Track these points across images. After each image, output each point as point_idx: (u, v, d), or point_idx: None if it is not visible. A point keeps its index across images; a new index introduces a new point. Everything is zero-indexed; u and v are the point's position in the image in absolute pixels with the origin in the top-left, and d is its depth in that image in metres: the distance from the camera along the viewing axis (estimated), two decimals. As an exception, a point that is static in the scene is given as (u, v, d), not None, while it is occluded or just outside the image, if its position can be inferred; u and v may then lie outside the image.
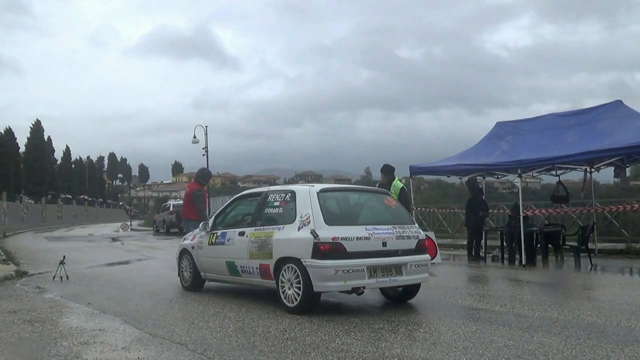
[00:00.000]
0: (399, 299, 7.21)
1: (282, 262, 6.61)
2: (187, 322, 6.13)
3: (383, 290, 7.27)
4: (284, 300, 6.58)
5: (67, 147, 75.05)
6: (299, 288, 6.37)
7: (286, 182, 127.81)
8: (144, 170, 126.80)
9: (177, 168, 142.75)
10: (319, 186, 6.97)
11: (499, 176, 14.67)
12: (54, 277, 9.95)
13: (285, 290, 6.57)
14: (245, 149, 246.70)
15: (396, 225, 6.82)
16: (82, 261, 13.84)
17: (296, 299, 6.41)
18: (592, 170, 12.79)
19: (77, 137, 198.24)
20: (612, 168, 12.45)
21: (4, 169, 50.25)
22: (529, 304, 7.00)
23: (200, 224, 8.64)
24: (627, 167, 12.73)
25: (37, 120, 64.00)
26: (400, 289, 7.12)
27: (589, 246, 11.90)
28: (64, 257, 10.39)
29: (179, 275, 8.99)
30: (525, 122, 13.53)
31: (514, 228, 11.97)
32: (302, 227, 6.48)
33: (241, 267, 7.34)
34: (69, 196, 58.90)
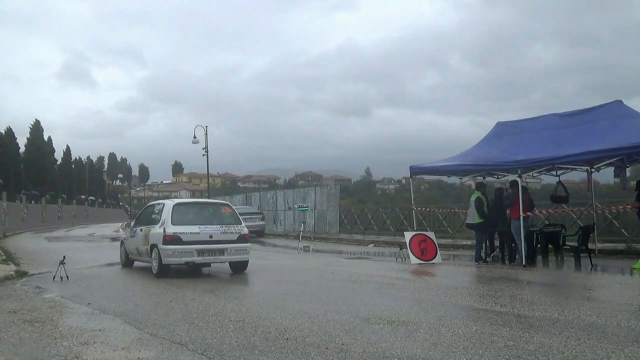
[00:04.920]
0: (235, 271, 11.10)
1: (152, 246, 10.60)
2: (187, 322, 6.13)
3: (230, 266, 11.22)
4: (153, 270, 10.57)
5: (67, 147, 74.95)
6: (157, 262, 10.36)
7: (286, 182, 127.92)
8: (144, 170, 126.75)
9: (177, 168, 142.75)
10: (176, 201, 11.40)
11: (499, 176, 14.65)
12: (54, 277, 9.96)
13: (153, 264, 10.60)
14: (245, 148, 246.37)
15: (223, 225, 10.71)
16: (82, 261, 13.84)
17: (156, 269, 10.41)
18: (592, 170, 12.78)
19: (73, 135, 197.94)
20: (612, 168, 12.43)
21: (4, 169, 50.23)
22: (529, 304, 7.00)
23: (125, 224, 13.85)
24: (627, 167, 12.71)
25: (37, 120, 64.00)
26: (230, 264, 11.13)
27: (589, 246, 11.88)
28: (64, 257, 10.39)
29: (120, 258, 12.88)
30: (525, 122, 13.50)
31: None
32: (161, 226, 10.46)
33: (140, 250, 11.43)
34: (64, 196, 58.88)
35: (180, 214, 10.69)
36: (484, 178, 14.39)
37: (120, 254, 12.89)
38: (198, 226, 10.44)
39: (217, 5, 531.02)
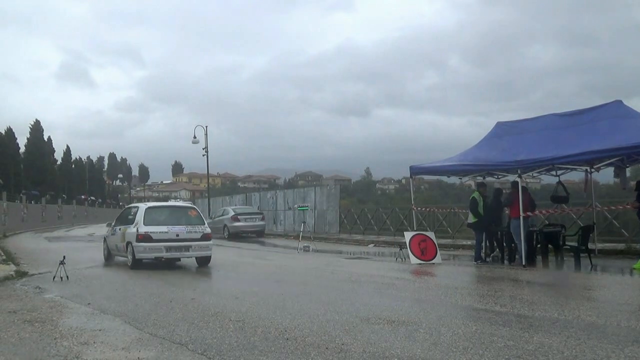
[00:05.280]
0: (201, 264, 12.65)
1: (128, 243, 12.25)
2: (187, 322, 6.13)
3: (196, 260, 12.81)
4: (128, 263, 12.24)
5: (68, 147, 74.98)
6: (131, 256, 12.05)
7: (286, 182, 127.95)
8: (144, 170, 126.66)
9: (177, 168, 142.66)
10: (149, 204, 13.68)
11: (499, 176, 14.65)
12: (54, 277, 9.96)
13: (128, 258, 12.26)
14: (245, 148, 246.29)
15: (189, 226, 12.26)
16: (82, 261, 13.83)
17: (130, 262, 12.08)
18: (592, 170, 12.77)
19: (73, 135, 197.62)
20: (612, 168, 12.42)
21: (4, 169, 50.22)
22: (529, 304, 7.00)
23: (107, 224, 15.82)
24: (627, 167, 12.70)
25: (37, 120, 64.03)
26: (196, 259, 12.77)
27: (589, 246, 11.88)
28: (64, 257, 10.39)
29: (102, 253, 14.57)
30: (525, 122, 13.49)
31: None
32: (135, 226, 12.12)
33: (118, 246, 13.08)
34: (64, 196, 58.89)
35: (152, 216, 12.39)
36: (484, 178, 14.39)
37: (103, 249, 14.57)
38: (167, 226, 12.06)
39: (215, 6, 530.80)
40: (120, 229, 13.02)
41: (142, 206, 13.07)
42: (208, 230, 12.69)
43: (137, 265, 11.98)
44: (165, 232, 11.94)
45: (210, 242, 12.56)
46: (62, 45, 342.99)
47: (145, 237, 11.78)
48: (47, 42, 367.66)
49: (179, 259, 12.96)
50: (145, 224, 11.98)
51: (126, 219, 13.23)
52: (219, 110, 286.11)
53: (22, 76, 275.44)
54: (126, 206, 16.26)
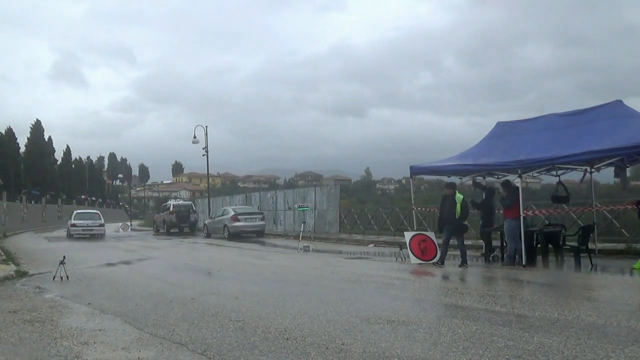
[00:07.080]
0: (99, 238, 27.71)
1: (68, 227, 29.63)
2: (187, 322, 6.13)
3: (97, 237, 28.07)
4: (67, 236, 28.94)
5: (68, 147, 74.99)
6: (69, 234, 28.80)
7: (286, 182, 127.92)
8: (144, 170, 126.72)
9: (177, 168, 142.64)
10: (78, 210, 32.13)
11: (499, 176, 14.64)
12: (54, 277, 9.96)
13: (68, 234, 29.04)
14: (244, 149, 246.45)
15: (95, 221, 28.87)
16: (82, 261, 13.84)
17: (69, 236, 28.72)
18: (592, 170, 12.76)
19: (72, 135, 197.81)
20: (612, 168, 12.41)
21: (4, 169, 50.22)
22: (529, 304, 6.99)
23: (66, 219, 36.45)
24: (627, 167, 12.70)
25: (37, 120, 64.04)
26: (97, 236, 28.30)
27: (589, 246, 11.87)
28: (64, 257, 10.39)
29: (66, 233, 29.67)
30: (526, 122, 13.48)
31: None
32: (70, 220, 29.45)
33: (67, 229, 30.00)
34: (64, 196, 58.86)
35: (79, 215, 28.62)
36: (484, 178, 14.39)
37: (67, 232, 29.25)
38: (84, 220, 27.94)
39: (210, 6, 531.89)
40: (69, 221, 28.75)
41: (75, 211, 29.69)
42: (103, 222, 28.53)
43: (70, 237, 26.94)
44: (82, 223, 27.66)
45: (104, 227, 28.39)
46: (57, 45, 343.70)
47: (73, 225, 27.50)
48: (43, 42, 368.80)
49: (93, 235, 27.32)
50: (74, 219, 27.85)
51: (70, 217, 28.94)
52: (217, 110, 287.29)
53: (18, 76, 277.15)
54: (72, 211, 33.03)
